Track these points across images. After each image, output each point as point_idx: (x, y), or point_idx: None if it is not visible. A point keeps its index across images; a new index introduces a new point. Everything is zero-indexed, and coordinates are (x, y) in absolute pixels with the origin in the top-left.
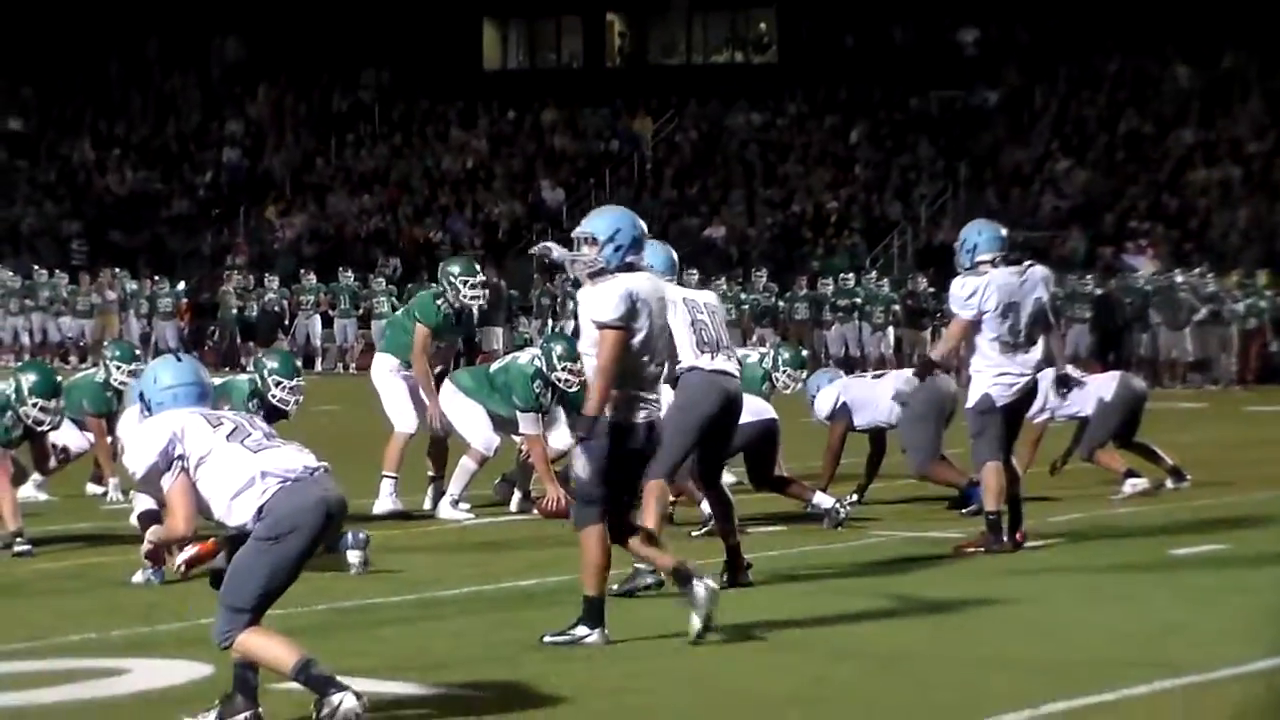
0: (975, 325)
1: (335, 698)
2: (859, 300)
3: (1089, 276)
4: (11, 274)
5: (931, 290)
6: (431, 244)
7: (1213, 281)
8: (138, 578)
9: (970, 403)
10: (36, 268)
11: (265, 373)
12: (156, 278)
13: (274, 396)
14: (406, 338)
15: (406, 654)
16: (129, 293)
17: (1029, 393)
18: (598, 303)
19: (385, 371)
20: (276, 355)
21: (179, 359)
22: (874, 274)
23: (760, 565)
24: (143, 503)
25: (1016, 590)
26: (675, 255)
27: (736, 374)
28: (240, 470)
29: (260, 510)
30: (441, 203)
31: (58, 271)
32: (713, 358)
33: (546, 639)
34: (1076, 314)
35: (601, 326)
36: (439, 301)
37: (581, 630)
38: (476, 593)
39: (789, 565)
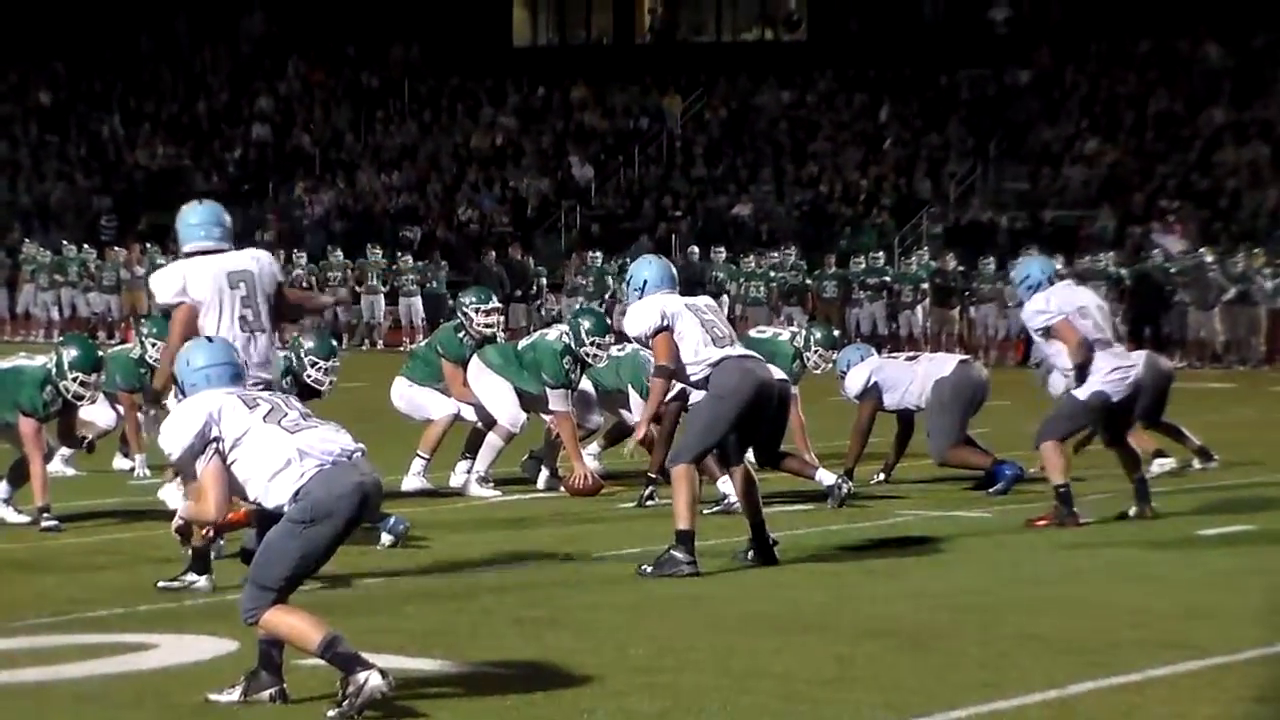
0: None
1: (361, 676)
2: (889, 279)
3: (1107, 255)
4: (41, 249)
5: (961, 269)
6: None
7: (1242, 261)
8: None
9: (1081, 395)
10: (66, 243)
11: (301, 352)
12: None
13: (309, 376)
14: (429, 369)
15: (432, 631)
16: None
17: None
18: None
19: (404, 387)
20: (314, 335)
21: (210, 340)
22: (901, 253)
23: (784, 545)
24: (173, 498)
25: (1042, 570)
26: (674, 270)
27: (764, 360)
28: (277, 451)
29: (297, 493)
30: (470, 179)
31: (86, 247)
32: (734, 346)
33: (645, 568)
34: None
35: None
36: (460, 334)
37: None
38: (503, 570)
39: (813, 545)
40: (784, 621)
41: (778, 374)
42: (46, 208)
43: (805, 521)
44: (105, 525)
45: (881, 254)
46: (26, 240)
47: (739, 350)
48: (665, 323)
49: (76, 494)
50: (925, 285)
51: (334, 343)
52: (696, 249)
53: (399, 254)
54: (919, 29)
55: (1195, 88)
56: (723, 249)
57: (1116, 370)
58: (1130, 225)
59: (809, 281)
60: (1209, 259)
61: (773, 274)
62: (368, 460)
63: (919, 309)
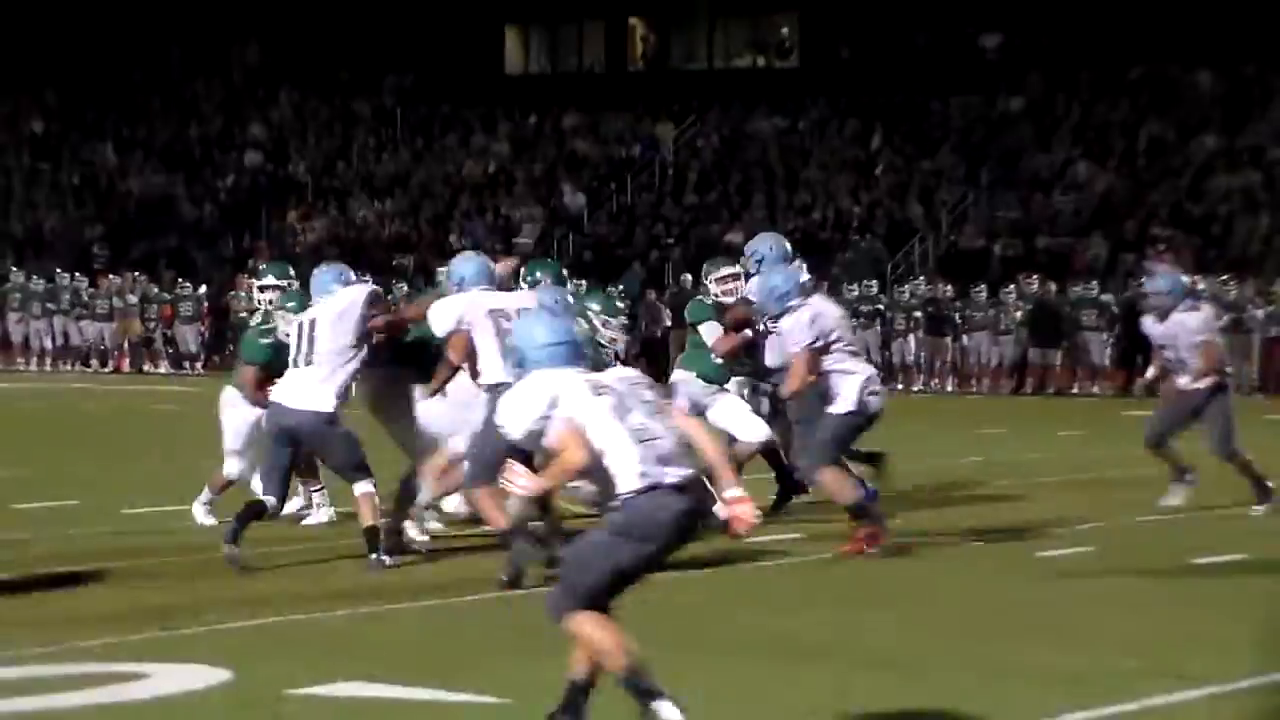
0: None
1: (656, 705)
2: (881, 307)
3: (1093, 283)
4: (35, 277)
5: (953, 297)
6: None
7: (1234, 289)
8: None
9: (840, 411)
10: (59, 271)
11: (590, 315)
12: (180, 281)
13: (603, 337)
14: None
15: (427, 659)
16: (149, 296)
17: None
18: None
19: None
20: (596, 295)
21: (554, 314)
22: (894, 281)
23: (777, 574)
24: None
25: (1037, 598)
26: (491, 265)
27: None
28: (617, 454)
29: (624, 502)
30: (462, 207)
31: (79, 275)
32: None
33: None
34: (1086, 322)
35: None
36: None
37: None
38: (496, 598)
39: (807, 574)
40: (779, 651)
41: None
42: (39, 236)
43: (798, 550)
44: (97, 553)
45: (875, 282)
46: (14, 269)
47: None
48: (462, 327)
49: (70, 522)
50: (918, 313)
51: (618, 302)
52: (689, 276)
53: (393, 282)
54: (911, 56)
55: (1187, 114)
56: None
57: (871, 380)
58: (1122, 252)
59: None
60: (1201, 287)
61: None
62: (698, 484)
63: (912, 337)
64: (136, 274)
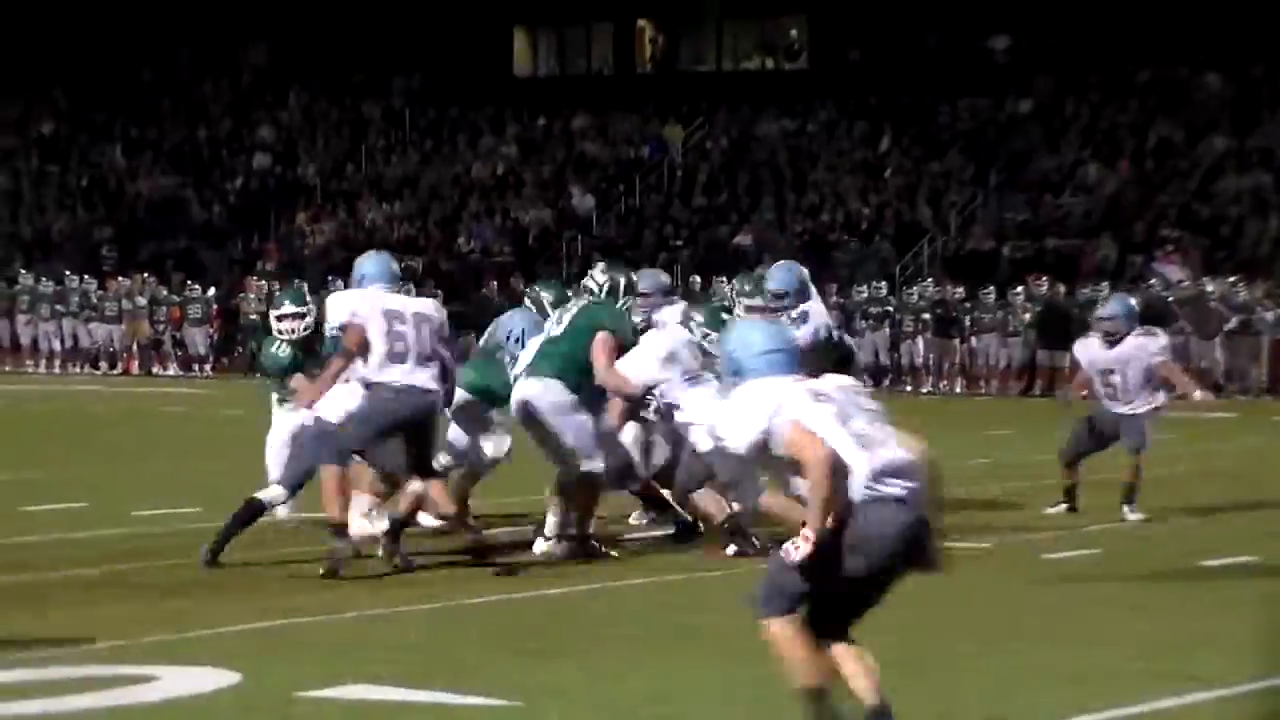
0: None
1: None
2: (890, 308)
3: (1103, 285)
4: (44, 279)
5: (962, 299)
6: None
7: (1243, 291)
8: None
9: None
10: (67, 273)
11: (693, 325)
12: (188, 283)
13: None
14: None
15: (432, 662)
16: (158, 298)
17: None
18: None
19: None
20: (702, 308)
21: (771, 323)
22: (903, 283)
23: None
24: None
25: (1044, 600)
26: (395, 265)
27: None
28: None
29: (848, 506)
30: (471, 209)
31: (87, 277)
32: (414, 367)
33: None
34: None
35: None
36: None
37: None
38: (504, 601)
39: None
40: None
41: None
42: (48, 238)
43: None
44: (108, 556)
45: (884, 283)
46: (22, 271)
47: (407, 371)
48: (355, 319)
49: (79, 525)
50: (926, 315)
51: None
52: (698, 278)
53: (401, 283)
54: (919, 58)
55: (1196, 116)
56: (725, 279)
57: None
58: (1131, 254)
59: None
60: (1210, 288)
61: None
62: (923, 495)
63: (920, 339)
64: (145, 276)
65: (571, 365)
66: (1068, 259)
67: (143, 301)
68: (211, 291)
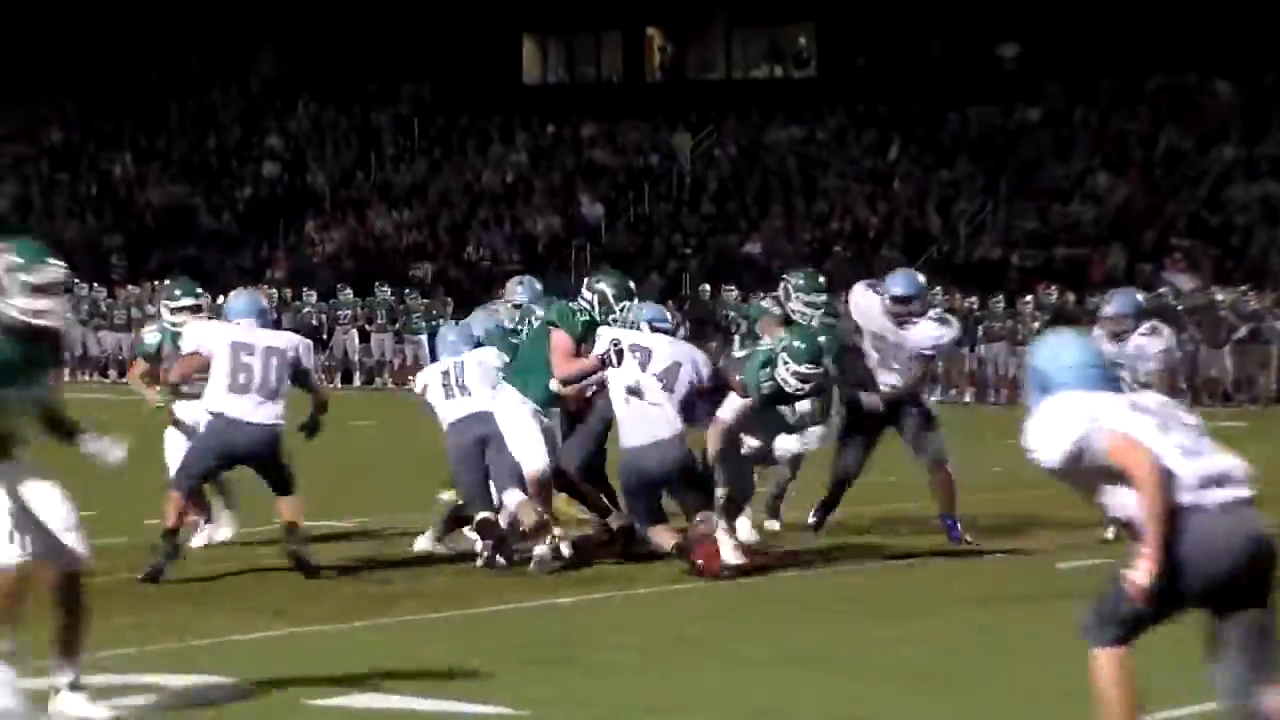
0: None
1: None
2: None
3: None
4: None
5: (972, 307)
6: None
7: (1253, 299)
8: None
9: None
10: (77, 281)
11: (784, 355)
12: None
13: (783, 380)
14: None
15: (444, 671)
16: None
17: None
18: None
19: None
20: (798, 335)
21: (1078, 334)
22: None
23: (799, 585)
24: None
25: (1063, 612)
26: (264, 302)
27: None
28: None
29: (1179, 518)
30: (480, 217)
31: (97, 285)
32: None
33: None
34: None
35: None
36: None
37: None
38: (512, 610)
39: (828, 585)
40: (798, 661)
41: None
42: (58, 246)
43: (820, 562)
44: (114, 563)
45: None
46: None
47: (246, 404)
48: (200, 349)
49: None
50: None
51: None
52: (708, 286)
53: (408, 292)
54: (928, 66)
55: (1205, 124)
56: (733, 287)
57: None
58: (1140, 262)
59: None
60: (1219, 297)
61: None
62: (1252, 506)
63: None
64: (155, 284)
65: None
66: (1077, 267)
67: (152, 310)
68: (220, 300)
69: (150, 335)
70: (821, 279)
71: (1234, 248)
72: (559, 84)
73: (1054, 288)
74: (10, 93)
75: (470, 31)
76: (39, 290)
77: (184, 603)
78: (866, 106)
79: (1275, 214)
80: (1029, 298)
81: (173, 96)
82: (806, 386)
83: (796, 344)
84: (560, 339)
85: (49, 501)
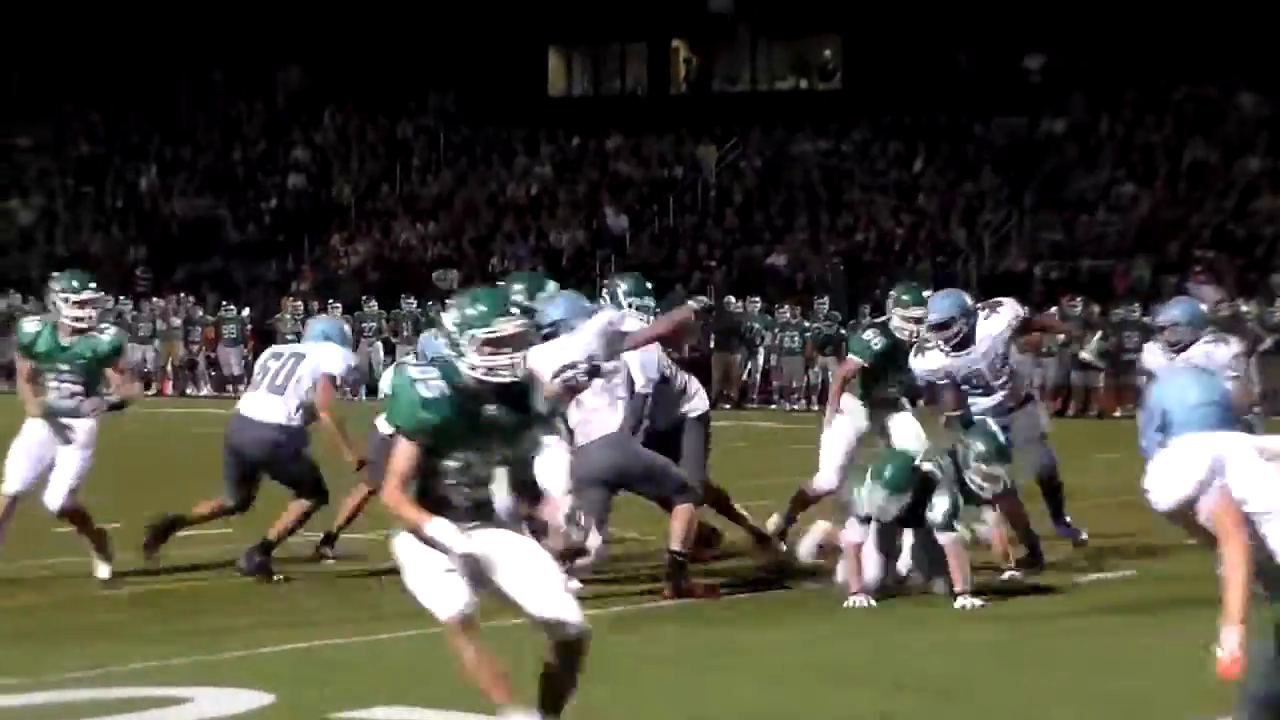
0: None
1: None
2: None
3: (1135, 305)
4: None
5: None
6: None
7: (1278, 311)
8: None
9: None
10: (103, 293)
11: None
12: (223, 303)
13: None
14: None
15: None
16: (192, 319)
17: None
18: None
19: None
20: (981, 437)
21: (1208, 372)
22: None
23: (817, 596)
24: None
25: (1081, 623)
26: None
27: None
28: None
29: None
30: (505, 229)
31: (123, 297)
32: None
33: None
34: (1128, 344)
35: None
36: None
37: None
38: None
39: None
40: (823, 673)
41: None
42: (83, 258)
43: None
44: (142, 574)
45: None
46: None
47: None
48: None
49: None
50: None
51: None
52: (733, 299)
53: (432, 304)
54: (953, 78)
55: (1230, 136)
56: (758, 299)
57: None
58: (1165, 274)
59: (844, 331)
60: (1245, 309)
61: (807, 324)
62: None
63: None
64: (180, 296)
65: None
66: (1102, 279)
67: (177, 322)
68: (246, 312)
69: (30, 324)
70: (925, 291)
71: (1259, 259)
72: (584, 96)
73: (1079, 299)
74: (37, 105)
75: (495, 43)
76: (491, 344)
77: (209, 615)
78: (892, 118)
79: None
80: (1054, 309)
81: (198, 109)
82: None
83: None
84: None
85: (533, 565)
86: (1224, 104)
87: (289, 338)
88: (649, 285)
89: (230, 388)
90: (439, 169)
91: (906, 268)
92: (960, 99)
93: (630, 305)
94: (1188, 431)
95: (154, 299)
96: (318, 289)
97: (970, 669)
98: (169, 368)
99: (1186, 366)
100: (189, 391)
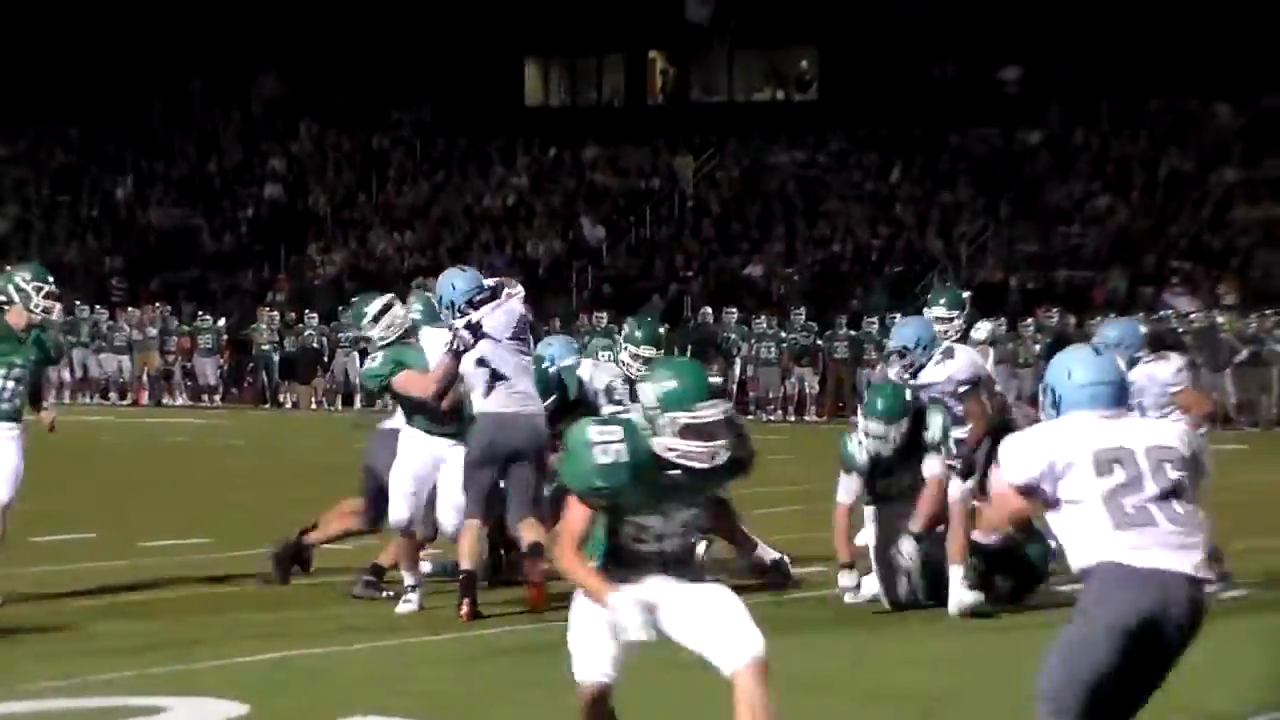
0: None
1: None
2: None
3: (1112, 316)
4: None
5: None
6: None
7: (1254, 321)
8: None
9: None
10: (78, 303)
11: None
12: (199, 313)
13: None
14: None
15: (453, 695)
16: (169, 328)
17: None
18: None
19: None
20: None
21: (1098, 351)
22: (914, 314)
23: (796, 606)
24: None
25: (1051, 635)
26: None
27: None
28: (1087, 536)
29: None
30: (482, 239)
31: (98, 307)
32: None
33: None
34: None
35: None
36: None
37: None
38: (519, 631)
39: (825, 606)
40: (799, 683)
41: None
42: (59, 268)
43: (816, 584)
44: (115, 586)
45: (898, 315)
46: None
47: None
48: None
49: (87, 555)
50: None
51: None
52: (709, 309)
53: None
54: (929, 89)
55: (1206, 147)
56: (735, 310)
57: None
58: (1141, 285)
59: (820, 342)
60: (1220, 320)
61: (783, 335)
62: (1194, 585)
63: None
64: (156, 306)
65: None
66: (1078, 290)
67: (153, 332)
68: (222, 322)
69: None
70: (963, 293)
71: (1235, 270)
72: (561, 107)
73: (1055, 310)
74: (12, 115)
75: (472, 54)
76: (691, 431)
77: (185, 625)
78: (868, 129)
79: (1277, 236)
80: (1030, 320)
81: (174, 119)
82: None
83: None
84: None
85: (712, 620)
86: (1200, 115)
87: (264, 348)
88: (660, 332)
89: (205, 398)
90: (415, 179)
91: (883, 278)
92: (937, 110)
93: (626, 348)
94: (1074, 410)
95: (130, 309)
96: (293, 299)
97: (943, 679)
98: (144, 378)
99: (1081, 346)
100: (165, 401)
